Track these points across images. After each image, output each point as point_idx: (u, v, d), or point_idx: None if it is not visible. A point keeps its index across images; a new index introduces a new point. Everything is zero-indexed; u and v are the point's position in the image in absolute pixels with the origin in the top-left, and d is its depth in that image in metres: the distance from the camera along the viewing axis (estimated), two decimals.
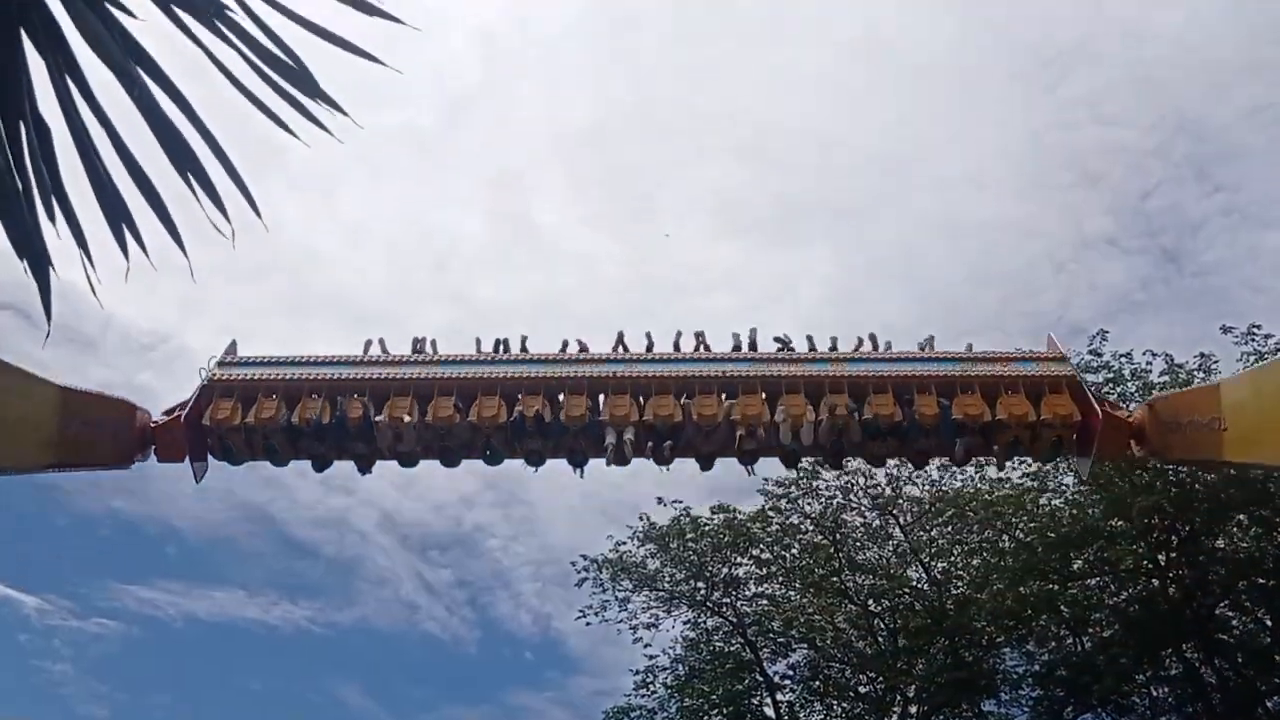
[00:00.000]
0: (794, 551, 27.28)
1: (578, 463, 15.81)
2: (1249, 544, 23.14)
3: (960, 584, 26.32)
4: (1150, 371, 22.73)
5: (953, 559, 26.44)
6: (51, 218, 4.00)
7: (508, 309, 28.95)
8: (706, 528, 27.25)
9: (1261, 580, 22.79)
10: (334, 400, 15.35)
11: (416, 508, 59.16)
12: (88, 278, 4.16)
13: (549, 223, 29.92)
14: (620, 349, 16.76)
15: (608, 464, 15.69)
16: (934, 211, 30.70)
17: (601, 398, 15.93)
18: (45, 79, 3.82)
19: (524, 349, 16.43)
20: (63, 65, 3.56)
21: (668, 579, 28.19)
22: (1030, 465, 24.25)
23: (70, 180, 4.12)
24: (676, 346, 16.86)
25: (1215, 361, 22.19)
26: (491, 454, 15.68)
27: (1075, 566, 24.35)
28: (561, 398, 15.87)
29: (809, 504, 26.60)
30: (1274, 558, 22.50)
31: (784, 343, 16.69)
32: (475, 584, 59.15)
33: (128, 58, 3.63)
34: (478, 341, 16.44)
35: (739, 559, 27.67)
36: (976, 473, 25.36)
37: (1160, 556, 23.17)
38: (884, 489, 26.18)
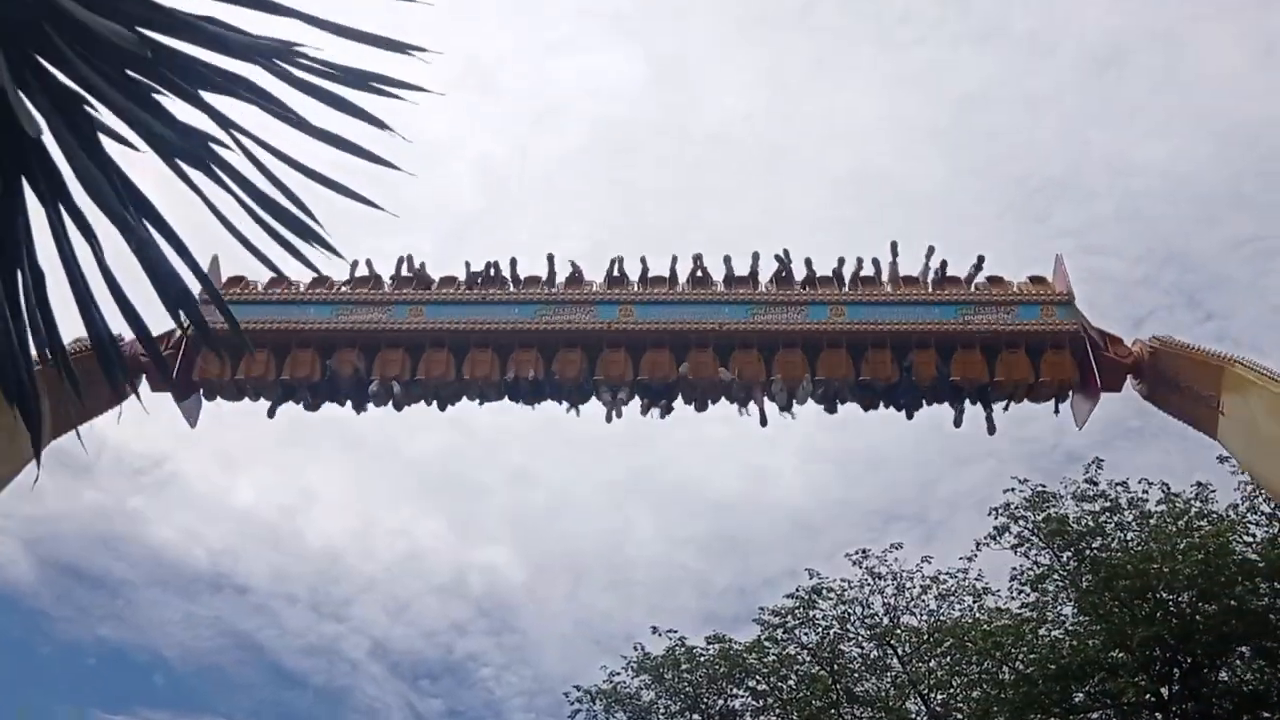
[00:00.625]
0: (791, 683, 26.76)
1: (574, 404, 15.80)
2: (1254, 677, 22.74)
3: (960, 716, 25.78)
4: (1147, 500, 22.63)
5: (952, 691, 25.95)
6: (44, 361, 4.00)
7: (505, 429, 28.90)
8: (702, 658, 26.79)
9: (1267, 715, 22.33)
10: (325, 352, 15.43)
11: (407, 634, 58.22)
12: (77, 430, 4.13)
13: None
14: (616, 269, 16.20)
15: (607, 420, 15.64)
16: None
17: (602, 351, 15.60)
18: (44, 224, 3.86)
19: (514, 272, 16.14)
20: (62, 214, 3.60)
21: (662, 711, 27.61)
22: (1029, 595, 23.98)
23: (64, 318, 4.14)
24: (672, 274, 16.26)
25: (1213, 490, 22.11)
26: (483, 402, 15.79)
27: (1077, 699, 23.88)
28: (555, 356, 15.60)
29: (806, 634, 26.20)
30: None
31: (783, 261, 16.15)
32: (467, 714, 57.89)
33: (125, 204, 3.68)
34: (467, 265, 16.18)
35: (735, 690, 27.13)
36: (975, 601, 25.06)
37: (1163, 689, 22.75)
38: (882, 618, 25.83)
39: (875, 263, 16.29)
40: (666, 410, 15.81)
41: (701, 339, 15.68)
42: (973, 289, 16.17)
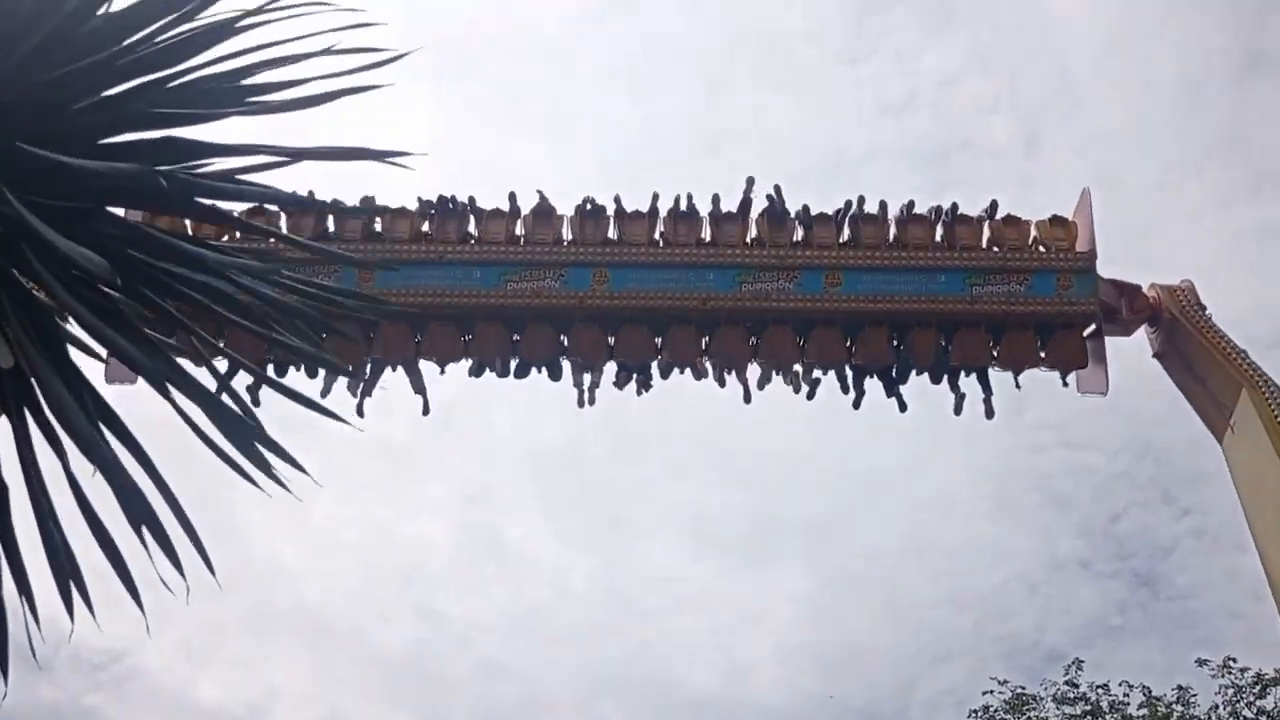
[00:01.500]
0: None
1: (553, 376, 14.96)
2: None
3: None
4: (1129, 704, 22.17)
5: None
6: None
7: (475, 624, 28.34)
8: None
9: None
10: None
11: None
12: (28, 635, 4.05)
13: (519, 537, 29.77)
14: (588, 206, 14.89)
15: (579, 404, 14.85)
16: (905, 531, 30.77)
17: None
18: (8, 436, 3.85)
19: (473, 207, 14.90)
20: (28, 430, 3.61)
21: None
22: None
23: (22, 526, 4.09)
24: (653, 210, 14.98)
25: (1194, 695, 21.70)
26: (444, 373, 15.00)
27: None
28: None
29: None
30: None
31: (774, 200, 14.94)
32: None
33: (92, 419, 3.69)
34: (420, 202, 14.91)
35: None
36: None
37: None
38: None
39: (882, 206, 15.12)
40: (644, 386, 14.90)
41: (683, 315, 14.64)
42: (986, 232, 14.99)
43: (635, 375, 14.85)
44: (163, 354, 3.70)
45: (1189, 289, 14.73)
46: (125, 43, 3.62)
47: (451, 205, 15.03)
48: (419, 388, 14.90)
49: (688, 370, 15.05)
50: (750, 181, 15.09)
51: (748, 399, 14.91)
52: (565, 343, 14.89)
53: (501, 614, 29.38)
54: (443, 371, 14.87)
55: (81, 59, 3.49)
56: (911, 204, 15.27)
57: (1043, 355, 14.77)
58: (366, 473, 27.52)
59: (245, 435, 3.83)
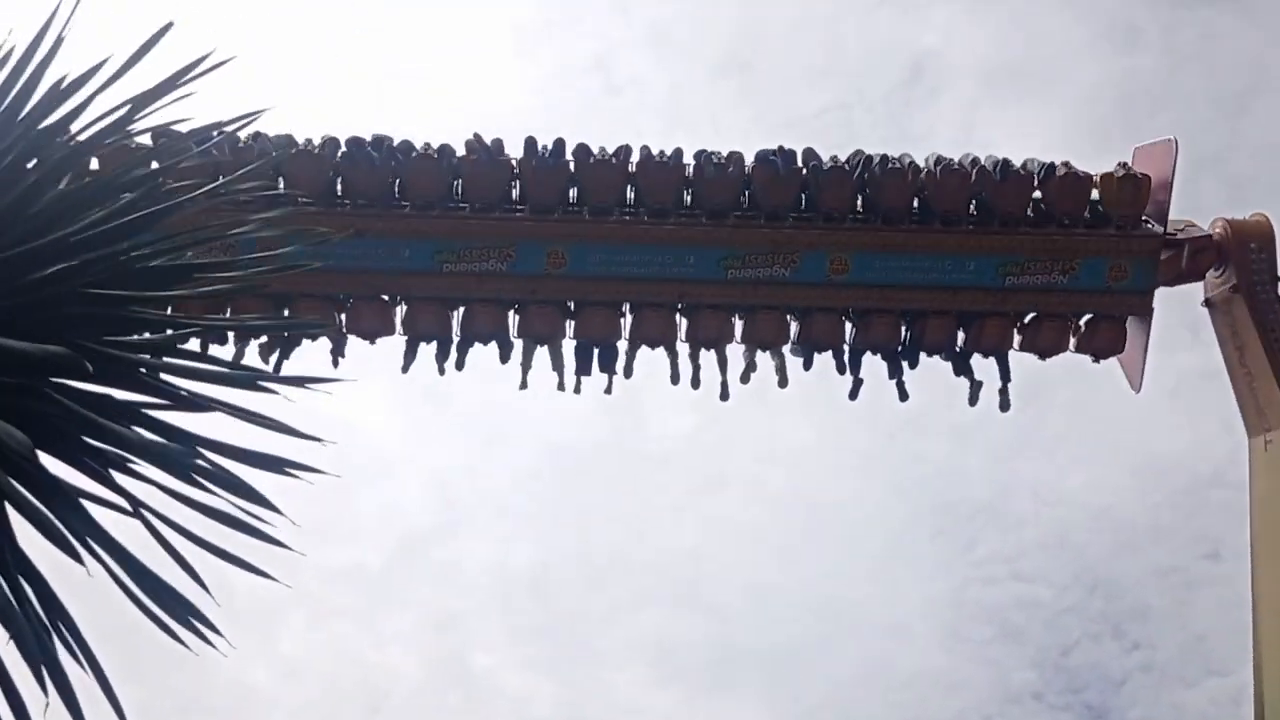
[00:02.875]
0: None
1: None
2: None
3: None
4: None
5: None
6: None
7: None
8: None
9: None
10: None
11: None
12: None
13: (485, 665, 29.42)
14: (542, 151, 12.25)
15: (521, 386, 12.67)
16: (862, 661, 30.68)
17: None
18: None
19: (396, 151, 12.20)
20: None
21: None
22: None
23: None
24: (622, 158, 12.34)
25: None
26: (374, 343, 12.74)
27: None
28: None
29: None
30: None
31: (776, 159, 12.39)
32: None
33: (80, 538, 3.76)
34: (324, 141, 12.26)
35: None
36: None
37: None
38: None
39: (911, 168, 12.38)
40: (608, 368, 12.79)
41: (658, 297, 12.53)
42: (1041, 178, 12.31)
43: (599, 356, 12.75)
44: (93, 524, 3.79)
45: (1263, 234, 12.32)
46: (75, 224, 3.80)
47: (370, 147, 12.18)
48: (338, 354, 12.63)
49: (659, 349, 12.85)
50: (737, 159, 12.52)
51: (725, 396, 12.80)
52: (516, 319, 12.76)
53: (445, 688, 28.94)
54: (372, 343, 12.66)
55: (29, 239, 3.68)
56: (940, 160, 12.51)
57: (1075, 339, 12.80)
58: (338, 599, 27.32)
59: (166, 597, 3.92)
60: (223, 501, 3.98)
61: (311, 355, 12.84)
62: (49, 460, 3.83)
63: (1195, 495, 29.48)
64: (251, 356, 11.81)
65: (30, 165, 3.89)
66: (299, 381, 4.06)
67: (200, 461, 3.98)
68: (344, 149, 12.26)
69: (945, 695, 30.46)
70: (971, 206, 12.47)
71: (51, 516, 3.51)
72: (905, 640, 30.83)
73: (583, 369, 12.77)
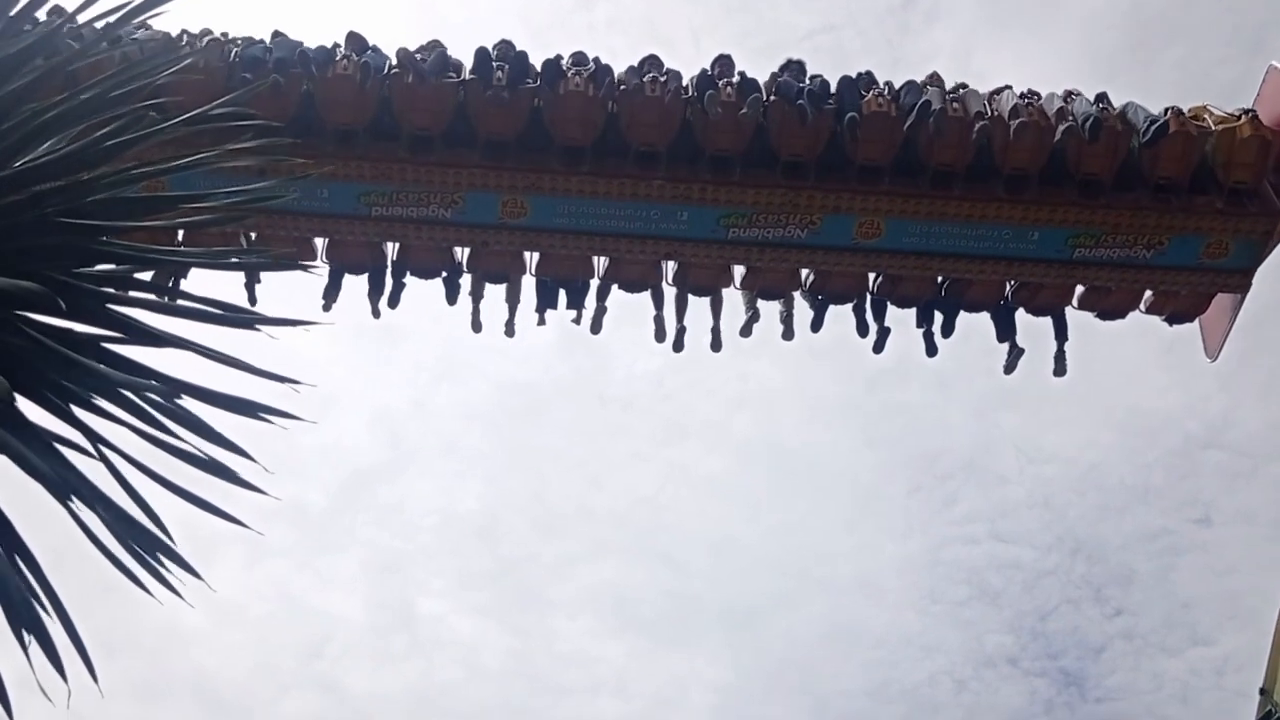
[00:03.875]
0: None
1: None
2: None
3: None
4: None
5: None
6: None
7: (380, 699, 27.72)
8: None
9: None
10: None
11: None
12: None
13: (431, 611, 29.28)
14: (497, 59, 10.17)
15: (474, 329, 11.13)
16: (829, 619, 30.66)
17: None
18: None
19: (307, 59, 9.96)
20: None
21: None
22: None
23: None
24: (606, 83, 10.18)
25: None
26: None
27: None
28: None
29: None
30: None
31: (791, 79, 10.49)
32: None
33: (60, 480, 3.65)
34: (220, 42, 10.10)
35: None
36: None
37: None
38: None
39: (975, 113, 10.17)
40: (576, 312, 11.20)
41: (640, 255, 10.78)
42: (1146, 139, 10.14)
43: (566, 296, 11.11)
44: (69, 466, 3.66)
45: None
46: (47, 146, 3.64)
47: (268, 61, 9.97)
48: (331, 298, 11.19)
49: (645, 292, 11.18)
50: (733, 73, 10.50)
51: (716, 346, 11.31)
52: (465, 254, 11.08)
53: (408, 690, 28.79)
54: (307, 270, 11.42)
55: None
56: (1015, 107, 10.35)
57: (1149, 300, 11.15)
58: (277, 539, 26.89)
59: (147, 544, 3.80)
60: (188, 443, 3.83)
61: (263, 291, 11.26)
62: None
63: (1187, 457, 29.33)
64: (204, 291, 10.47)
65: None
66: (284, 323, 3.89)
67: (167, 401, 3.83)
68: (239, 56, 9.90)
69: (918, 657, 30.56)
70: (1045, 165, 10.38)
71: (34, 458, 3.39)
72: (876, 599, 30.92)
73: (546, 304, 11.16)
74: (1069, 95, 10.39)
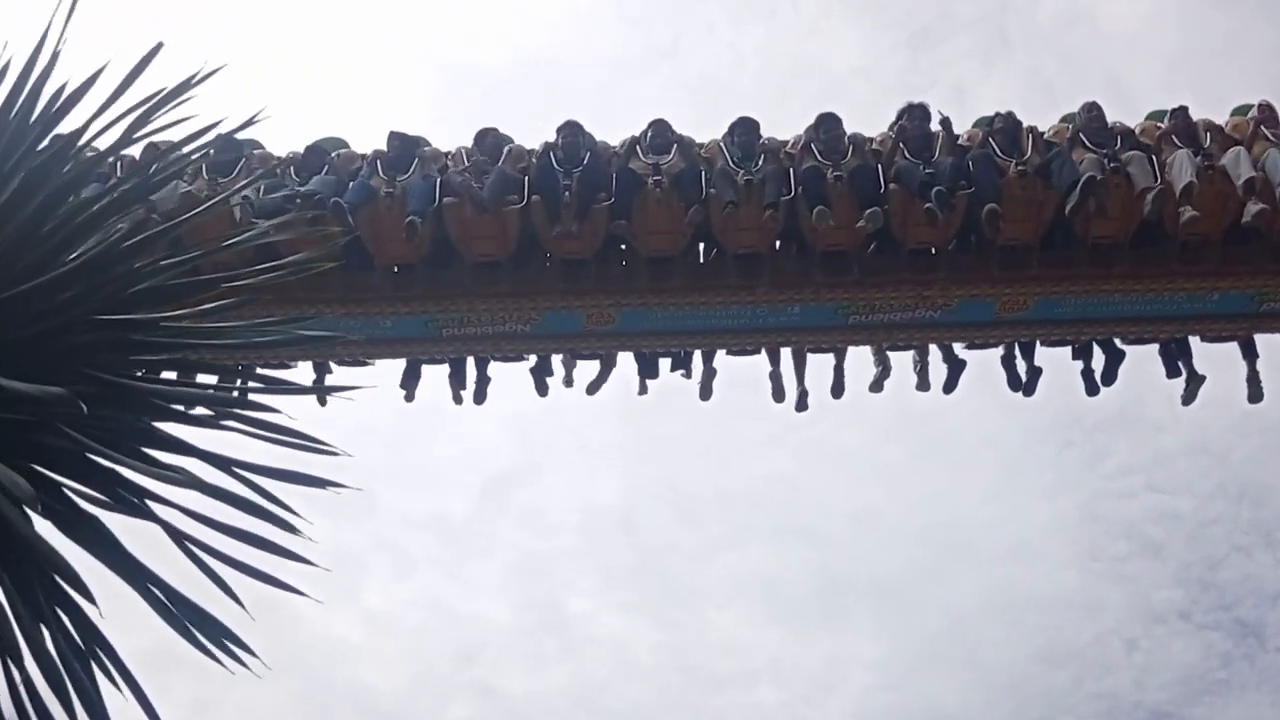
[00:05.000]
0: None
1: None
2: None
3: None
4: None
5: None
6: None
7: (538, 699, 28.09)
8: None
9: None
10: None
11: None
12: None
13: (580, 610, 29.49)
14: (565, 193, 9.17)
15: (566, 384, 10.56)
16: (984, 587, 29.84)
17: None
18: None
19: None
20: None
21: None
22: None
23: None
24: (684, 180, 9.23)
25: None
26: None
27: None
28: None
29: None
30: None
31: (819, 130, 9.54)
32: None
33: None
34: None
35: None
36: None
37: None
38: None
39: (1141, 188, 8.87)
40: (682, 367, 10.44)
41: (751, 346, 10.10)
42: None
43: (672, 361, 10.34)
44: (131, 558, 3.72)
45: None
46: (82, 246, 3.69)
47: (292, 206, 8.96)
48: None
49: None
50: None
51: (838, 392, 10.34)
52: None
53: (564, 689, 29.08)
54: None
55: (38, 266, 3.58)
56: (1200, 165, 8.99)
57: None
58: (422, 549, 27.51)
59: (206, 625, 3.83)
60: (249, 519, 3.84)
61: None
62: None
63: None
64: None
65: (29, 182, 3.75)
66: (324, 391, 3.88)
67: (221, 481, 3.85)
68: (259, 197, 8.88)
69: (1082, 618, 29.58)
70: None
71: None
72: (1030, 563, 30.03)
73: (647, 374, 10.43)
74: (1261, 136, 9.18)
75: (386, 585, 27.17)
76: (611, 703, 29.37)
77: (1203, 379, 10.12)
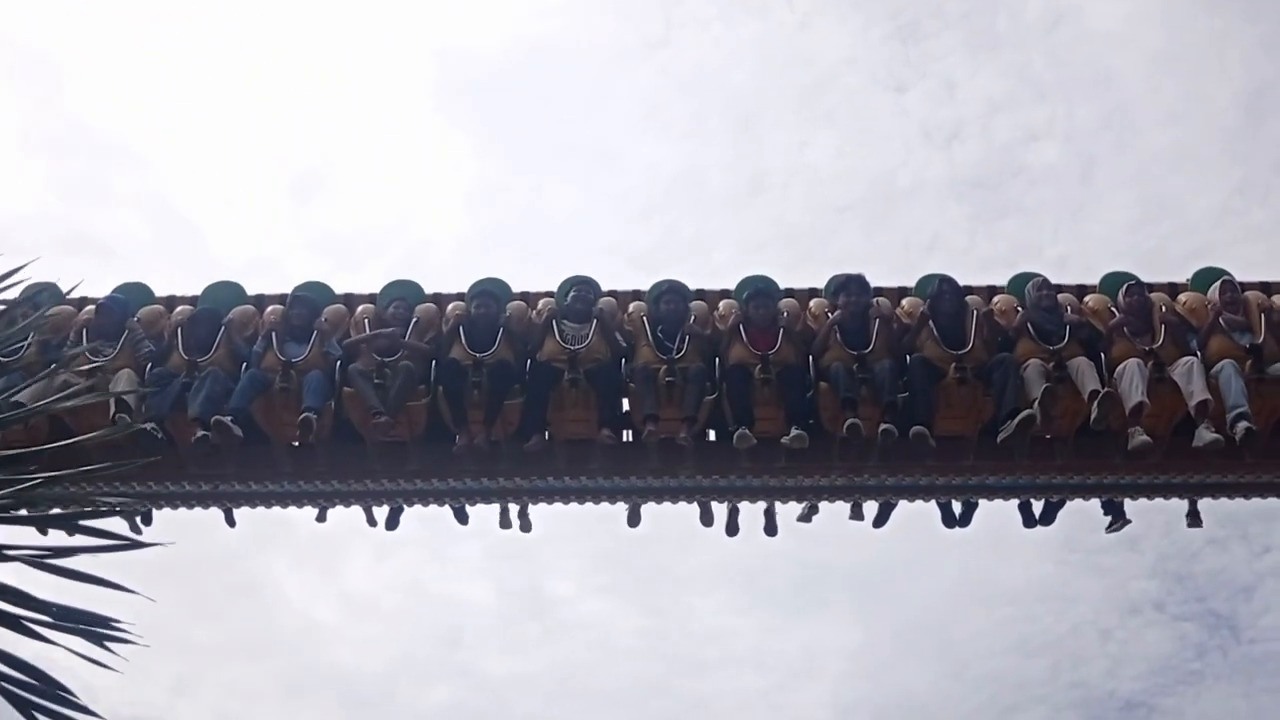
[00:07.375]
0: None
1: None
2: None
3: None
4: None
5: None
6: None
7: (518, 683, 27.76)
8: None
9: None
10: None
11: None
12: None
13: (562, 594, 29.15)
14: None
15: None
16: (960, 577, 29.70)
17: None
18: None
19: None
20: None
21: None
22: None
23: None
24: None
25: None
26: None
27: None
28: None
29: None
30: None
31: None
32: None
33: None
34: None
35: None
36: None
37: None
38: None
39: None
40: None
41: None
42: None
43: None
44: None
45: None
46: None
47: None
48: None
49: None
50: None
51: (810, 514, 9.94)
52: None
53: (547, 672, 28.74)
54: None
55: None
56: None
57: None
58: (402, 531, 27.01)
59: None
60: None
61: None
62: None
63: None
64: None
65: None
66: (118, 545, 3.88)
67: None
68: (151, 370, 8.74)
69: (1059, 609, 29.53)
70: None
71: None
72: (1009, 554, 29.89)
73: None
74: (1218, 329, 9.01)
75: (368, 567, 26.74)
76: (593, 686, 29.04)
77: (1128, 521, 10.26)
